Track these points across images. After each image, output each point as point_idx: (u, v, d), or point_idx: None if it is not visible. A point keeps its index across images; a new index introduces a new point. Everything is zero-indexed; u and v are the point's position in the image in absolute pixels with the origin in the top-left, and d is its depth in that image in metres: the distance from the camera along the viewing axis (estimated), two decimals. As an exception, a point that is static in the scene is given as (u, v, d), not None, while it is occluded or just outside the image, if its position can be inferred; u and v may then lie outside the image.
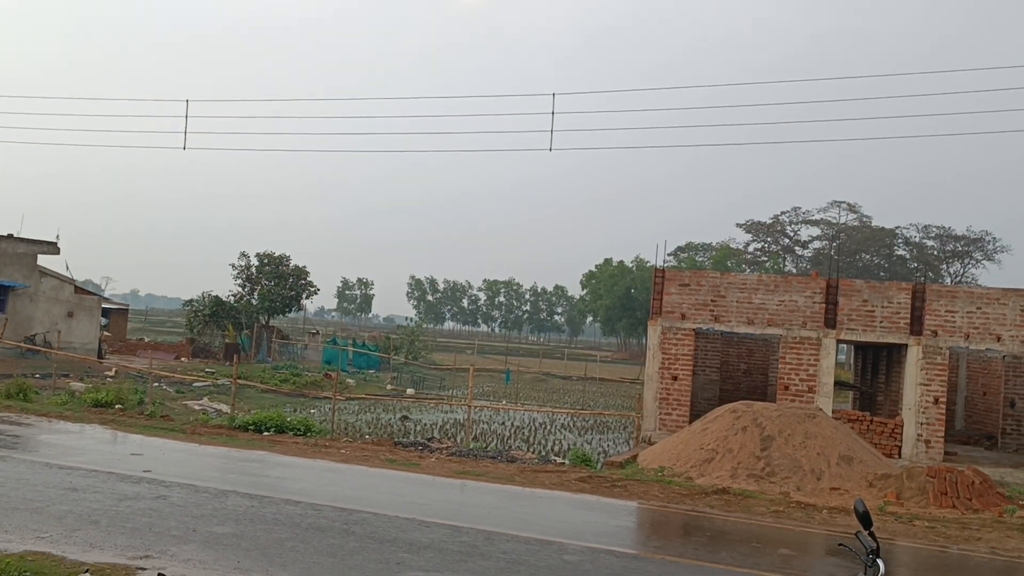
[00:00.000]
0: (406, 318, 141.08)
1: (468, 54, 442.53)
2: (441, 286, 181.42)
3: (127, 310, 61.11)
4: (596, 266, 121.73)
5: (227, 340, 47.63)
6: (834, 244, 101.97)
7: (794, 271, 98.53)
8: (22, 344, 32.79)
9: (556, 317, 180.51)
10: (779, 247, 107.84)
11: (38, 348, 33.08)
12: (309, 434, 18.72)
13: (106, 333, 46.49)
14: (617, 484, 14.65)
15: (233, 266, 51.11)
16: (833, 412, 20.14)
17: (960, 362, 27.24)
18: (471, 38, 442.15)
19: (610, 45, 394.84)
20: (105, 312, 47.72)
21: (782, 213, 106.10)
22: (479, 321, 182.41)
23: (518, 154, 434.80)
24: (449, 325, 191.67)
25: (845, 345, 30.30)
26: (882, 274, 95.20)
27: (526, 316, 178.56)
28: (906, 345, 20.64)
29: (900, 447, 20.28)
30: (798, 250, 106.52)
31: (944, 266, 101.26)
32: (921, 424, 20.26)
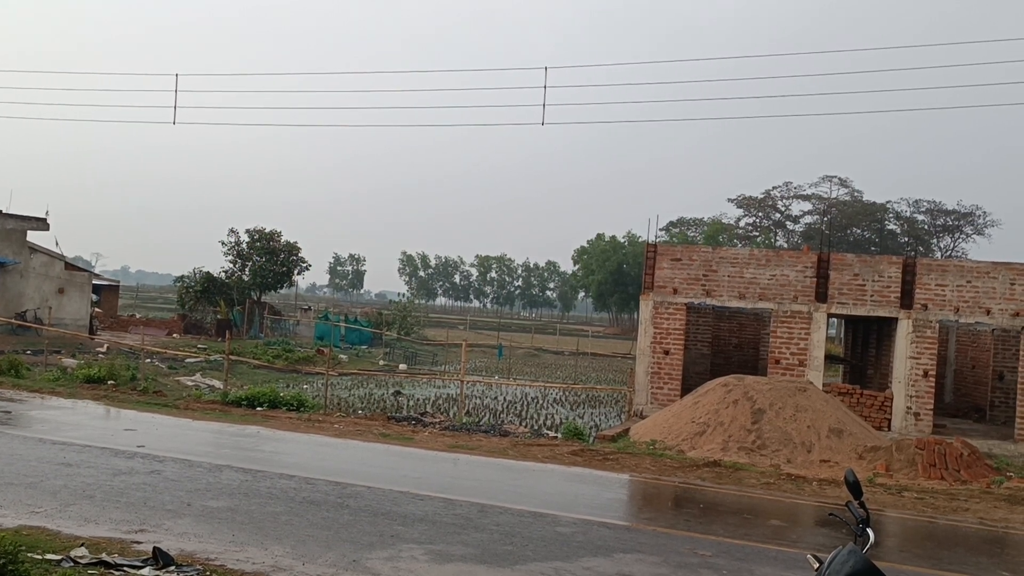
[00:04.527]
0: (398, 294, 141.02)
1: (463, 30, 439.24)
2: (433, 262, 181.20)
3: (118, 286, 60.84)
4: (588, 241, 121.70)
5: (219, 316, 47.54)
6: (825, 218, 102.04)
7: (785, 246, 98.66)
8: (13, 320, 32.69)
9: (548, 292, 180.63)
10: (770, 222, 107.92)
11: (29, 324, 32.98)
12: (302, 409, 18.74)
13: (97, 309, 46.30)
14: (609, 457, 14.74)
15: (224, 242, 50.94)
16: (824, 385, 20.27)
17: (950, 335, 27.41)
18: (469, 15, 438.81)
19: (604, 21, 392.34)
20: (96, 288, 47.51)
21: (773, 188, 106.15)
22: (471, 297, 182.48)
23: (511, 130, 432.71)
24: (441, 301, 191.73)
25: (836, 319, 30.46)
26: (873, 248, 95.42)
27: (518, 292, 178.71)
28: (896, 319, 20.74)
29: (890, 420, 20.45)
30: (789, 225, 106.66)
31: (934, 240, 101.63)
32: (911, 397, 20.41)
